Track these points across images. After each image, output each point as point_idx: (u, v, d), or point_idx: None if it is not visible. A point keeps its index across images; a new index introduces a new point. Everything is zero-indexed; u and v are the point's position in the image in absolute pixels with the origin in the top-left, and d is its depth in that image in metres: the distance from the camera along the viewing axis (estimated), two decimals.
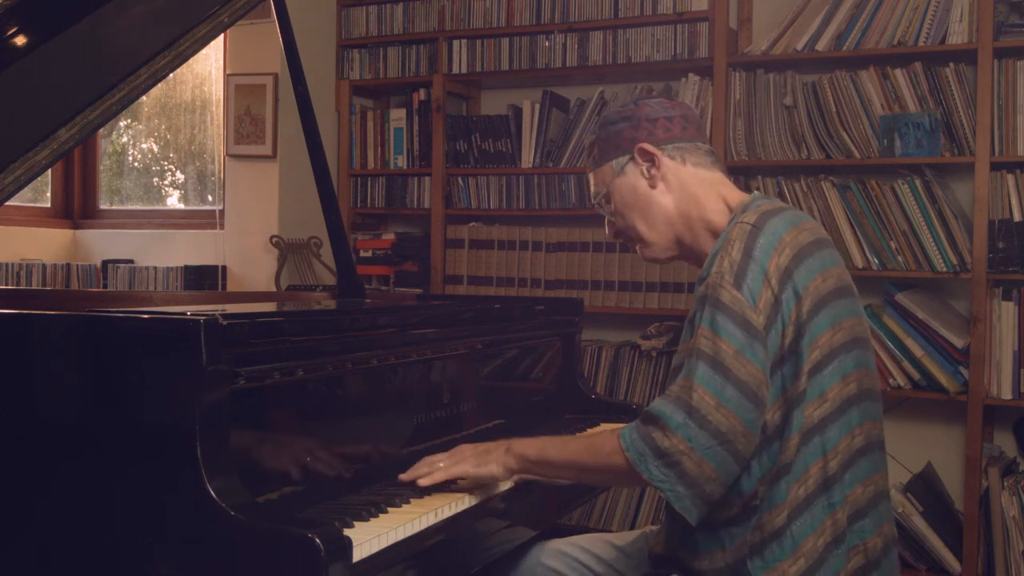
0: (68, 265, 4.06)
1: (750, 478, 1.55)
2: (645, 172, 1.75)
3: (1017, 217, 3.05)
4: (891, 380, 3.18)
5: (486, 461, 1.71)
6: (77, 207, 4.40)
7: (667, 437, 1.48)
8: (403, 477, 1.70)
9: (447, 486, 1.70)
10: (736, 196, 1.74)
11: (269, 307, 2.25)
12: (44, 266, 3.98)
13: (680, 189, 1.74)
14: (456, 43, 3.86)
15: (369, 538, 1.38)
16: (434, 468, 1.70)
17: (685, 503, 1.50)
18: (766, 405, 1.51)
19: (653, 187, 1.74)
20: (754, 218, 1.61)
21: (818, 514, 1.55)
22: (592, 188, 1.84)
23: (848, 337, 1.61)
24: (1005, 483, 3.04)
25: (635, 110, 1.77)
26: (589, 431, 2.27)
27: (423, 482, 1.68)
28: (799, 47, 3.31)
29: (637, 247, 1.82)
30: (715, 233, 1.71)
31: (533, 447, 1.69)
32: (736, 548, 1.57)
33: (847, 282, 1.67)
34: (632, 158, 1.75)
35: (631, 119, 1.76)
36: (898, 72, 3.21)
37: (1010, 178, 3.06)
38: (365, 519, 1.48)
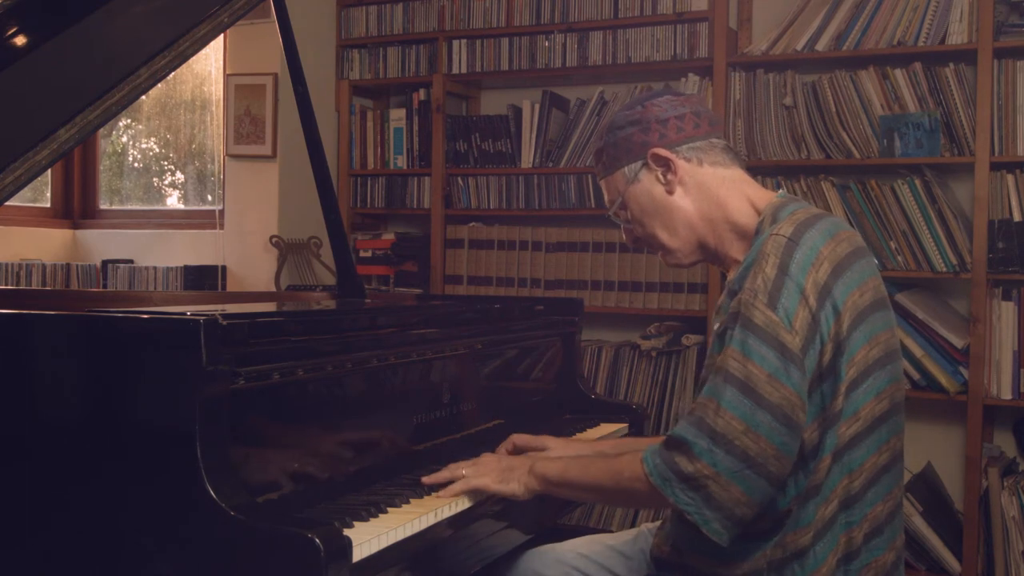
0: (68, 265, 4.06)
1: (785, 497, 1.50)
2: (661, 178, 1.67)
3: (1017, 217, 3.05)
4: None
5: (508, 479, 1.69)
6: (77, 207, 4.40)
7: (691, 462, 1.44)
8: (426, 480, 1.69)
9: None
10: (761, 195, 1.66)
11: (269, 307, 2.25)
12: (44, 266, 3.98)
13: (700, 192, 1.66)
14: (456, 43, 3.86)
15: (369, 538, 1.38)
16: (456, 476, 1.69)
17: (714, 526, 1.44)
18: (802, 427, 1.45)
19: (671, 192, 1.67)
20: (790, 230, 1.52)
21: (837, 532, 1.52)
22: (606, 196, 1.76)
23: (883, 352, 1.55)
24: (1005, 483, 3.04)
25: (643, 112, 1.68)
26: (589, 432, 2.28)
27: (441, 493, 1.66)
28: (799, 47, 3.31)
29: (660, 254, 1.75)
30: (742, 234, 1.65)
31: (555, 469, 1.67)
32: (752, 561, 1.53)
33: (883, 293, 1.60)
34: (645, 164, 1.68)
35: (640, 122, 1.68)
36: (898, 72, 3.20)
37: (1010, 178, 3.06)
38: (365, 519, 1.48)
